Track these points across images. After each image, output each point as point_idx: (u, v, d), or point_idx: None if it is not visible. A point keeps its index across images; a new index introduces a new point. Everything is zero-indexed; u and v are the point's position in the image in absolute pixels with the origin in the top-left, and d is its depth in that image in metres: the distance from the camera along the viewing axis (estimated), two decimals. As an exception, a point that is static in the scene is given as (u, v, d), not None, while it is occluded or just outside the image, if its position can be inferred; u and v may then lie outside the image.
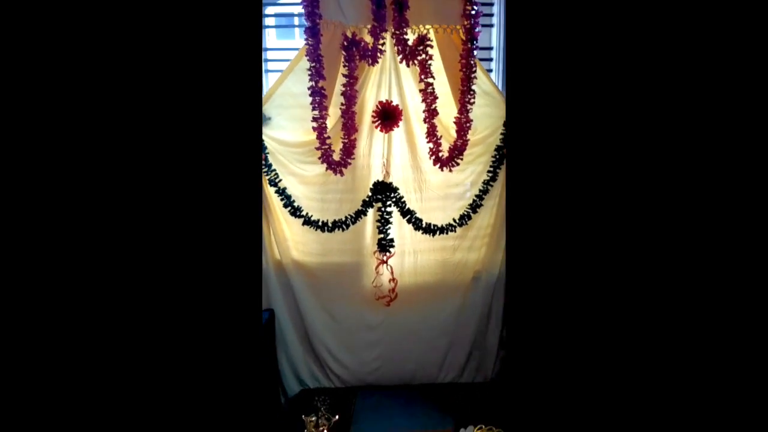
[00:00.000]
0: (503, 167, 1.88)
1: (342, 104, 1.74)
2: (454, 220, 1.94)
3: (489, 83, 1.86)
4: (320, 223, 1.88)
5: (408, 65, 1.77)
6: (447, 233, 1.94)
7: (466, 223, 1.95)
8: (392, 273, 1.94)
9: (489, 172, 1.92)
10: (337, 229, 1.88)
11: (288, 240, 1.93)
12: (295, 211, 1.87)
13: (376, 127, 1.81)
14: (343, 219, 1.88)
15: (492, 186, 1.93)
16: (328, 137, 1.77)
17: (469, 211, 1.94)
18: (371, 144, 1.85)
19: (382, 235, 1.90)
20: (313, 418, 1.55)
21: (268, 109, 1.78)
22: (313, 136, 1.77)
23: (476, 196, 1.93)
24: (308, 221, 1.88)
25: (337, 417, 1.58)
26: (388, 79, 1.81)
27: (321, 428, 1.52)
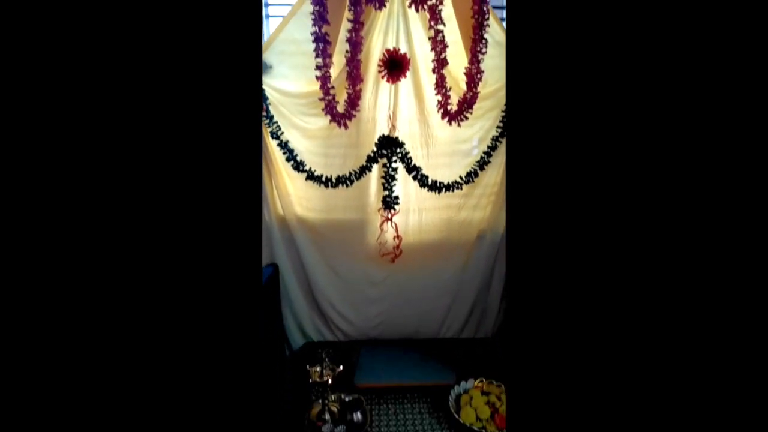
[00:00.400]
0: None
1: (347, 51, 1.65)
2: (461, 178, 1.90)
3: (501, 33, 1.75)
4: (324, 179, 1.84)
5: (417, 10, 1.66)
6: (453, 191, 1.90)
7: (473, 181, 1.90)
8: (396, 230, 1.92)
9: (498, 127, 1.86)
10: (341, 184, 1.85)
11: (291, 195, 1.90)
12: (298, 166, 1.82)
13: (383, 77, 1.73)
14: (347, 175, 1.84)
15: (500, 142, 1.87)
16: (332, 87, 1.69)
17: (476, 168, 1.89)
18: (377, 95, 1.77)
19: (386, 192, 1.87)
20: (318, 369, 1.58)
21: (268, 56, 1.69)
22: (317, 86, 1.68)
23: (484, 152, 1.88)
24: (311, 176, 1.84)
25: (341, 367, 1.61)
26: (396, 26, 1.70)
27: (325, 378, 1.56)
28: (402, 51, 1.71)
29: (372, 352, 1.94)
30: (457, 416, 1.61)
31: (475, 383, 1.79)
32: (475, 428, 1.56)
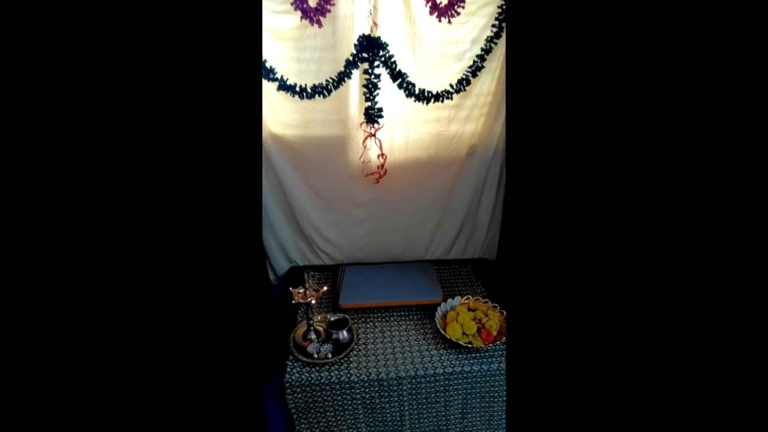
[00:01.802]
0: (511, 20, 1.60)
1: (316, -75, 1.37)
2: (451, 86, 1.71)
3: None
4: (298, 89, 1.65)
5: None
6: (442, 101, 1.73)
7: (464, 89, 1.72)
8: (381, 147, 1.78)
9: (493, 26, 1.63)
10: (317, 95, 1.66)
11: (264, 110, 1.71)
12: (268, 74, 1.62)
13: (361, -39, 1.47)
14: (324, 83, 1.64)
15: (496, 44, 1.66)
16: (301, -25, 1.43)
17: (468, 74, 1.70)
18: (355, -15, 1.52)
19: (369, 103, 1.69)
20: (301, 290, 1.53)
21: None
22: (283, -26, 1.43)
23: (477, 56, 1.68)
24: (284, 86, 1.64)
25: (325, 288, 1.56)
26: None
27: (309, 299, 1.51)
28: (383, -75, 1.43)
29: (357, 273, 1.90)
30: (443, 332, 1.61)
31: (462, 300, 1.78)
32: (462, 343, 1.57)
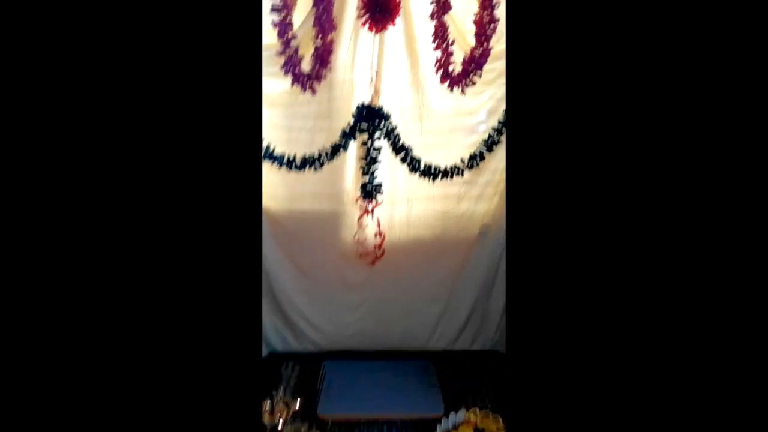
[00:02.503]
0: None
1: (313, -15, 1.23)
2: (463, 161, 1.54)
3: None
4: (286, 159, 1.48)
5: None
6: (451, 178, 1.54)
7: (477, 165, 1.54)
8: (379, 226, 1.56)
9: (514, 97, 1.44)
10: (308, 167, 1.48)
11: (246, 178, 1.52)
12: (253, 141, 1.43)
13: (364, 24, 1.33)
14: (316, 155, 1.47)
15: (516, 117, 1.46)
16: (294, 37, 1.30)
17: (483, 149, 1.53)
18: (355, 50, 1.38)
19: (366, 178, 1.51)
20: (268, 404, 1.26)
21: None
22: (274, 36, 1.30)
23: (494, 129, 1.51)
24: (270, 155, 1.47)
25: (298, 404, 1.28)
26: (382, -48, 1.27)
27: (278, 416, 1.24)
28: (389, -12, 1.29)
29: (340, 369, 1.62)
30: (442, 463, 1.31)
31: (467, 415, 1.47)
32: (464, 480, 1.26)
